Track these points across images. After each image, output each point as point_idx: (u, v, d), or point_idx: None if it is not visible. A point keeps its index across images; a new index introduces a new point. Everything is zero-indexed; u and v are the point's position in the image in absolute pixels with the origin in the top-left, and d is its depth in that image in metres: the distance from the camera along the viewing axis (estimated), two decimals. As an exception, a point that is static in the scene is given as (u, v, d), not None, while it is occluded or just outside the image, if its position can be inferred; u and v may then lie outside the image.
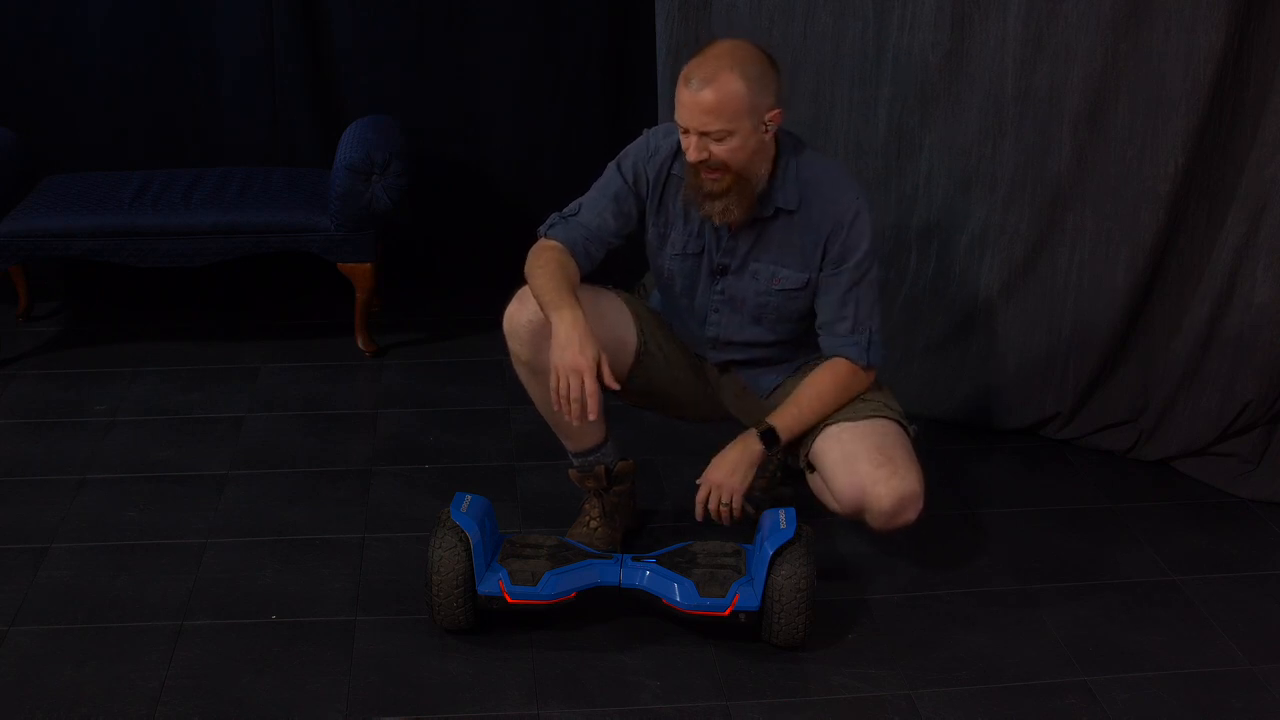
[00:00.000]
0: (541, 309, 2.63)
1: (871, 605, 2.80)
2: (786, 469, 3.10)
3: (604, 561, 2.69)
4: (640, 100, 4.06)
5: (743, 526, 2.78)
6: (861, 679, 2.57)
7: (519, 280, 2.73)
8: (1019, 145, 3.33)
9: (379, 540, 3.01)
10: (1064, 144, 3.28)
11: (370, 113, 4.18)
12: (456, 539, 2.61)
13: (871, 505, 2.67)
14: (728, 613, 2.58)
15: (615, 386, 2.60)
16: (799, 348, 2.87)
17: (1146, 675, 2.60)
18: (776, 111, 2.62)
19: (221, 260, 3.86)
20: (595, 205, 2.76)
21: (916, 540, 2.88)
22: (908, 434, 2.78)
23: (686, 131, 2.59)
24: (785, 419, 2.74)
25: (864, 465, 2.68)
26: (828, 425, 2.76)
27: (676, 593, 2.61)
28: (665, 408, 3.00)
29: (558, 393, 2.55)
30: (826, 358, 2.77)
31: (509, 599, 2.59)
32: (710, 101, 2.53)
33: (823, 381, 2.75)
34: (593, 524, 2.92)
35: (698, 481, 2.74)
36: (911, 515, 2.69)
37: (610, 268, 2.85)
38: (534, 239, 2.75)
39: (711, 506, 2.72)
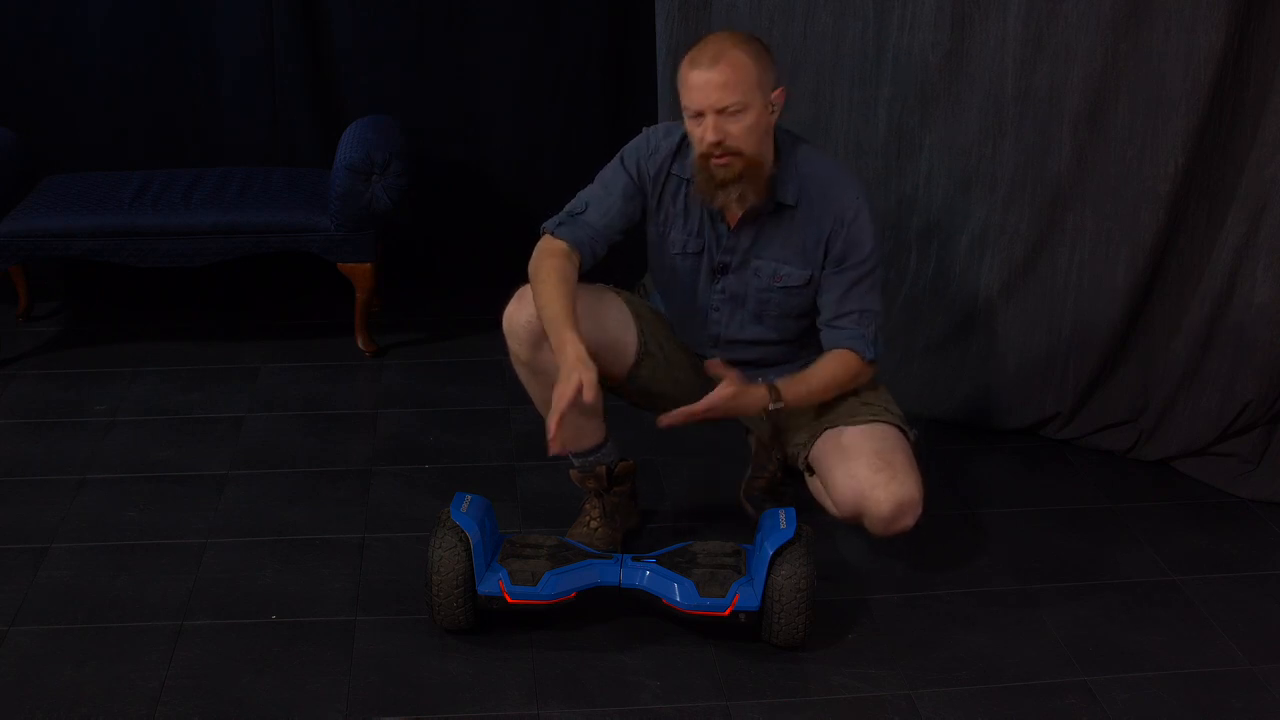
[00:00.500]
0: (542, 324, 2.64)
1: (871, 605, 2.80)
2: (787, 469, 3.10)
3: (604, 561, 2.68)
4: (640, 100, 4.06)
5: (743, 527, 2.78)
6: (861, 679, 2.57)
7: (519, 280, 2.73)
8: (1019, 145, 3.33)
9: (379, 540, 3.01)
10: (1064, 144, 3.28)
11: (370, 113, 4.18)
12: (456, 539, 2.60)
13: (869, 510, 2.67)
14: (728, 613, 2.58)
15: (589, 399, 2.55)
16: (801, 348, 2.87)
17: (1146, 675, 2.60)
18: (780, 90, 2.64)
19: (221, 260, 3.86)
20: (601, 204, 2.76)
21: (916, 540, 2.88)
22: (908, 439, 2.78)
23: (700, 115, 2.59)
24: (792, 386, 2.73)
25: (863, 470, 2.68)
26: (828, 428, 2.76)
27: (676, 593, 2.61)
28: (666, 408, 2.99)
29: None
30: (829, 350, 2.77)
31: (509, 599, 2.59)
32: (724, 76, 2.56)
33: (831, 364, 2.76)
34: (593, 524, 2.92)
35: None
36: (909, 521, 2.69)
37: (610, 268, 2.85)
38: (534, 238, 2.75)
39: (678, 418, 2.66)
